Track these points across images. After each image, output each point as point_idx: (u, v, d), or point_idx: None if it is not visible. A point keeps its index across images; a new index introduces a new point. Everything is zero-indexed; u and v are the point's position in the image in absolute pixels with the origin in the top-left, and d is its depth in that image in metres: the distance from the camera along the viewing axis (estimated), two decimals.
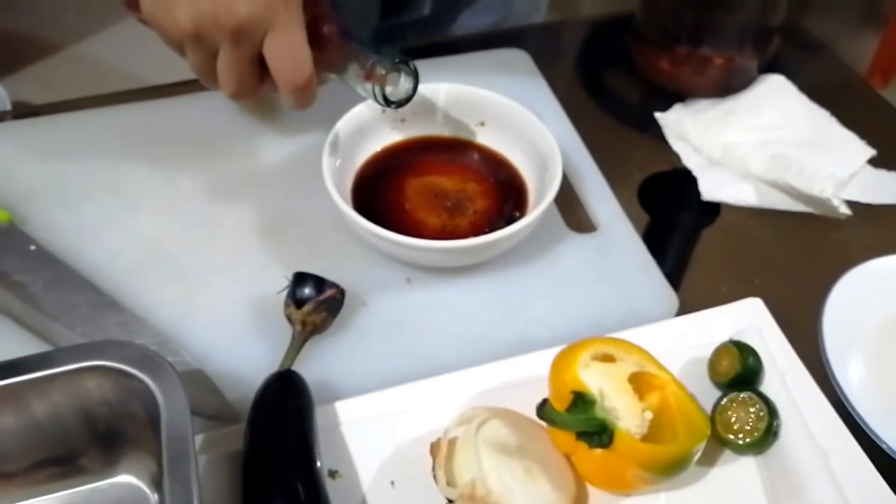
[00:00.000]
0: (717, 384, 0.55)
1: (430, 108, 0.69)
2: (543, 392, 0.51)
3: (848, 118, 0.78)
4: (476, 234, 0.61)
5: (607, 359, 0.51)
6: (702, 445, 0.49)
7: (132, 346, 0.47)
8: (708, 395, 0.54)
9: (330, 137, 0.63)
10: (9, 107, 0.73)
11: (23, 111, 0.75)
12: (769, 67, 0.82)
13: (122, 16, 0.63)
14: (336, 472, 0.51)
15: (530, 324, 0.61)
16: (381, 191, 0.66)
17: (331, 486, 0.49)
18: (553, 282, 0.64)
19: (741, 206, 0.71)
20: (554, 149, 0.63)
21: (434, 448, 0.50)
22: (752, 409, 0.52)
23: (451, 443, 0.49)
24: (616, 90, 0.85)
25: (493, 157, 0.69)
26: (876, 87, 0.88)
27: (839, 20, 1.66)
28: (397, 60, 0.59)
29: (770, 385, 0.54)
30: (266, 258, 0.64)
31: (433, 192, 0.66)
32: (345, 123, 0.65)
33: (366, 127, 0.67)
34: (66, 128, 0.72)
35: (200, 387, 0.54)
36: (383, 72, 0.59)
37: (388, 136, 0.69)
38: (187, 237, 0.65)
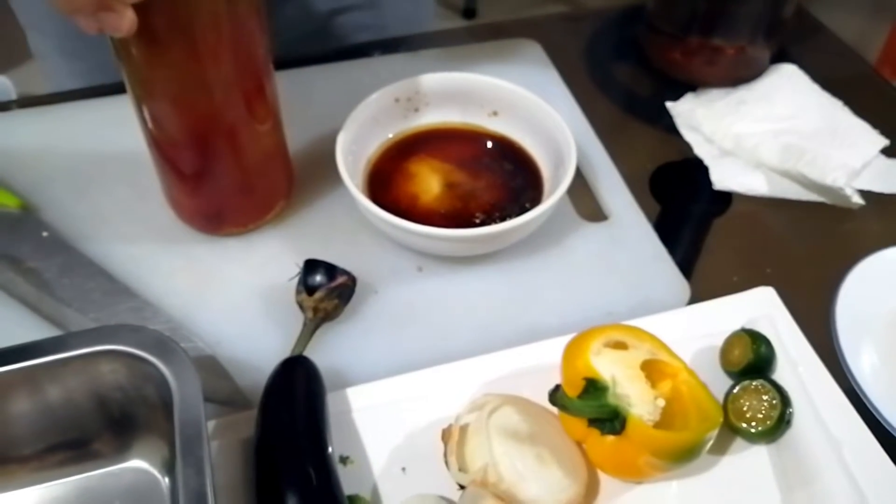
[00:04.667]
0: (729, 373, 0.55)
1: (443, 97, 0.69)
2: (555, 379, 0.51)
3: (860, 108, 0.78)
4: (488, 223, 0.61)
5: (619, 346, 0.51)
6: (714, 433, 0.49)
7: (146, 331, 0.47)
8: (720, 383, 0.54)
9: (344, 126, 0.63)
10: (14, 97, 0.73)
11: (28, 102, 0.75)
12: (781, 57, 0.81)
13: None
14: (347, 458, 0.51)
15: (542, 312, 0.61)
16: (394, 179, 0.66)
17: (342, 472, 0.49)
18: (564, 270, 0.63)
19: (753, 196, 0.71)
20: (568, 139, 0.63)
21: (446, 434, 0.51)
22: (764, 398, 0.52)
23: (463, 429, 0.49)
24: (627, 80, 0.85)
25: (506, 147, 0.69)
26: (887, 77, 0.88)
27: (850, 10, 1.65)
28: None
29: (782, 374, 0.54)
30: (278, 245, 0.64)
31: (446, 180, 0.65)
32: (359, 112, 0.65)
33: (380, 115, 0.67)
34: (78, 116, 0.72)
35: (212, 373, 0.54)
36: None
37: (401, 125, 0.69)
38: None
